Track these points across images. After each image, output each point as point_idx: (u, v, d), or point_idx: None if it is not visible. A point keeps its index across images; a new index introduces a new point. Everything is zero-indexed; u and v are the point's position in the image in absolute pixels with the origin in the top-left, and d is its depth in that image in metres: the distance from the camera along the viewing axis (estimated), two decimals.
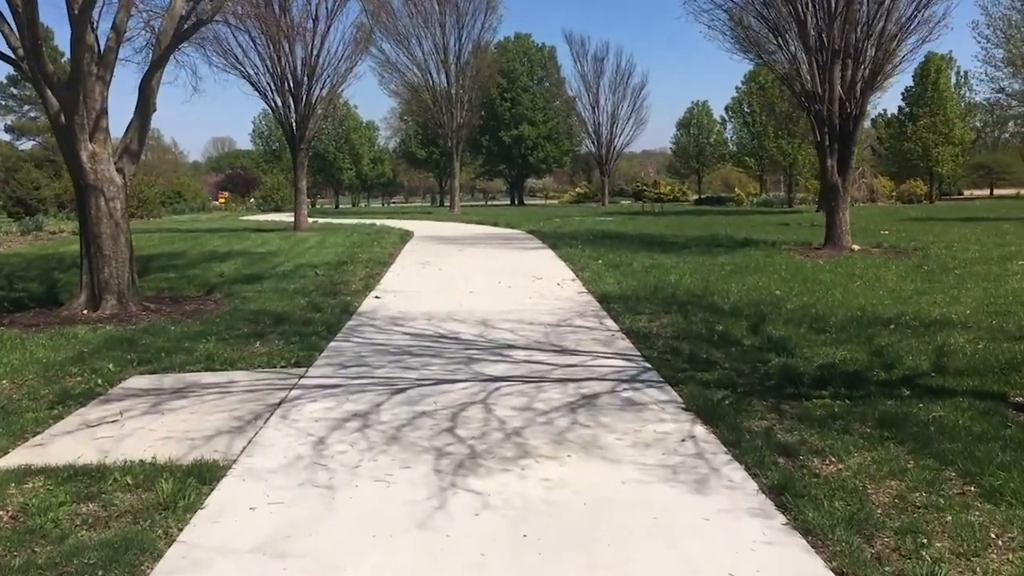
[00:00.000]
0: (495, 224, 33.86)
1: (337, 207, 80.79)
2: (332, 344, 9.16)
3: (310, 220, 36.41)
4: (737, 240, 21.61)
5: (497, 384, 7.25)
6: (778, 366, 7.73)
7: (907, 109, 53.22)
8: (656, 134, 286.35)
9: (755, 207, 51.48)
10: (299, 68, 27.92)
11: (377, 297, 12.55)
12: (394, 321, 10.55)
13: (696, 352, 8.39)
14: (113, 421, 6.35)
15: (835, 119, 17.65)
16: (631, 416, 6.21)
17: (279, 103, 28.08)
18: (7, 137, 60.21)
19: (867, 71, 17.54)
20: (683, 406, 6.47)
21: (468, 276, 14.97)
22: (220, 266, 16.89)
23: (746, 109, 58.55)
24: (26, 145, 58.87)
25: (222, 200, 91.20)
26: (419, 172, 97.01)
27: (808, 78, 18.05)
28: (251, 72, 27.59)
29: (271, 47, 26.57)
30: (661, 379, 7.36)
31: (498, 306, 11.55)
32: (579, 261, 16.66)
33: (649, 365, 7.91)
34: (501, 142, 74.91)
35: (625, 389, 7.05)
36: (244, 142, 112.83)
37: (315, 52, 27.77)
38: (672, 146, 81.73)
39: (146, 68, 11.91)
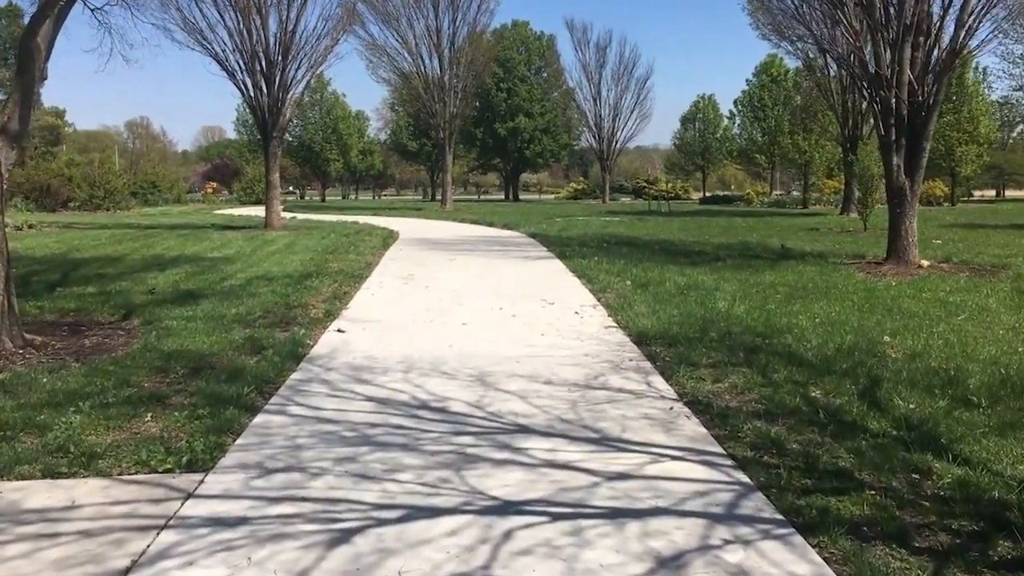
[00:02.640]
0: (491, 224, 30.77)
1: (323, 200, 77.54)
2: (259, 420, 6.16)
3: (287, 216, 33.43)
4: (774, 249, 18.61)
5: (507, 522, 4.33)
6: (954, 485, 4.78)
7: None
8: (654, 130, 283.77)
9: (767, 207, 48.46)
10: (272, 45, 24.77)
11: (340, 331, 9.50)
12: (356, 374, 7.53)
13: (809, 449, 5.42)
14: None
15: (903, 108, 14.64)
16: None
17: (249, 84, 24.92)
18: None
19: (944, 51, 14.52)
20: None
21: (461, 297, 11.94)
22: (157, 277, 13.81)
23: (757, 103, 55.55)
24: None
25: (210, 190, 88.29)
26: (410, 165, 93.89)
27: (872, 59, 15.02)
28: (219, 50, 24.47)
29: (239, 20, 23.44)
30: (780, 515, 4.41)
31: (501, 349, 8.54)
32: (597, 277, 13.63)
33: (748, 479, 4.93)
34: (496, 134, 71.84)
35: (728, 543, 4.09)
36: (233, 131, 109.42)
37: (290, 28, 24.61)
38: (676, 142, 78.47)
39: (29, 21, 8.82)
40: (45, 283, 13.07)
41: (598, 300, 11.61)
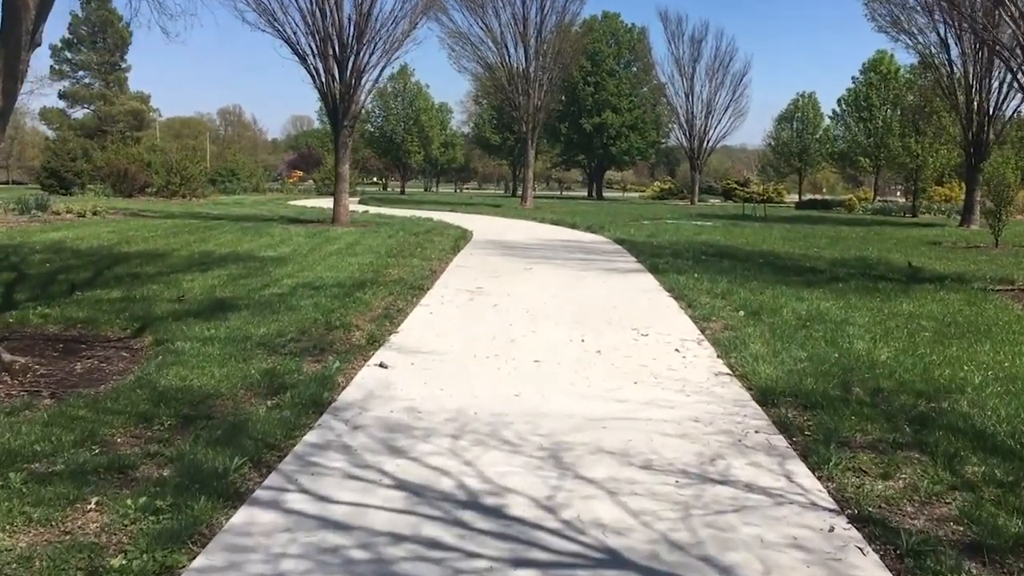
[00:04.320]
0: (573, 226, 28.68)
1: (403, 192, 76.47)
2: (239, 519, 4.36)
3: (359, 209, 32.02)
4: (899, 268, 16.14)
5: None
6: None
7: None
8: (741, 130, 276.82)
9: (871, 215, 45.14)
10: (346, 27, 23.19)
11: (383, 365, 7.64)
12: (390, 438, 5.66)
13: None
14: None
15: None
16: None
17: (321, 69, 23.38)
18: (61, 104, 57.25)
19: None
20: None
21: (535, 322, 9.97)
22: (194, 281, 12.22)
23: (863, 102, 52.04)
24: (79, 113, 55.80)
25: (295, 178, 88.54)
26: (493, 159, 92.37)
27: None
28: (290, 33, 22.99)
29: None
30: None
31: (583, 404, 6.56)
32: (698, 300, 11.51)
33: None
34: (581, 130, 69.63)
35: None
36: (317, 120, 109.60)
37: (366, 9, 22.95)
38: (771, 141, 74.76)
39: None
40: (70, 283, 11.61)
41: (702, 332, 9.51)
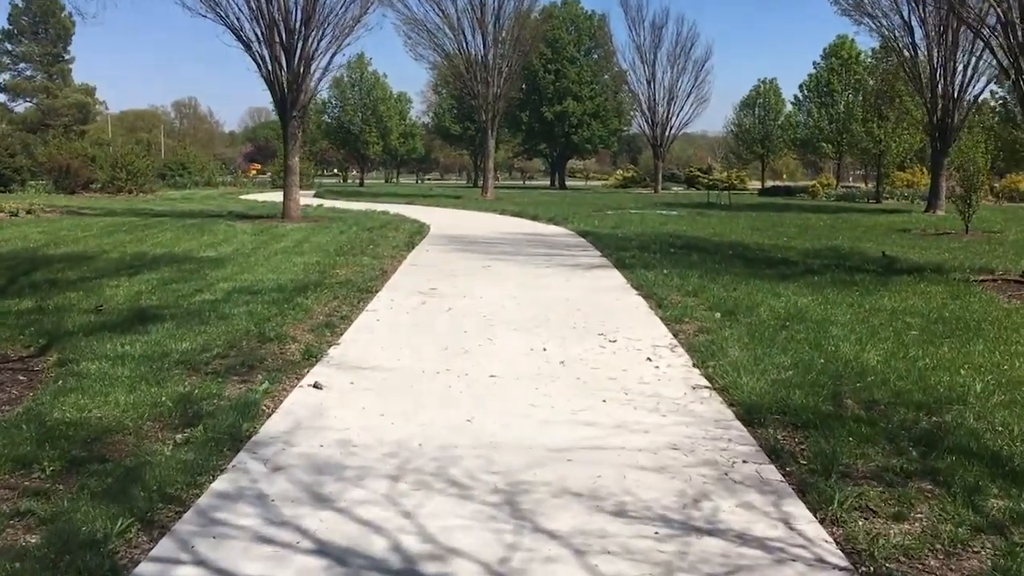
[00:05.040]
0: (535, 218, 27.76)
1: (361, 184, 75.00)
2: None
3: (315, 203, 30.92)
4: (874, 259, 15.47)
5: None
6: None
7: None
8: (701, 117, 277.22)
9: (835, 202, 44.75)
10: (293, 12, 22.05)
11: (317, 386, 6.71)
12: (315, 484, 4.77)
13: None
14: None
15: None
16: None
17: (267, 57, 22.21)
18: (2, 98, 55.10)
19: None
20: None
21: (493, 328, 9.08)
22: (120, 286, 11.18)
23: (824, 88, 51.64)
24: (21, 107, 53.73)
25: (252, 171, 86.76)
26: (454, 149, 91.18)
27: (1012, 28, 11.81)
28: (233, 19, 21.80)
29: None
30: None
31: (544, 430, 5.70)
32: (668, 298, 10.70)
33: None
34: (543, 118, 68.70)
35: None
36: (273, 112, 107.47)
37: None
38: (732, 128, 74.29)
39: None
40: None
41: (675, 336, 8.68)
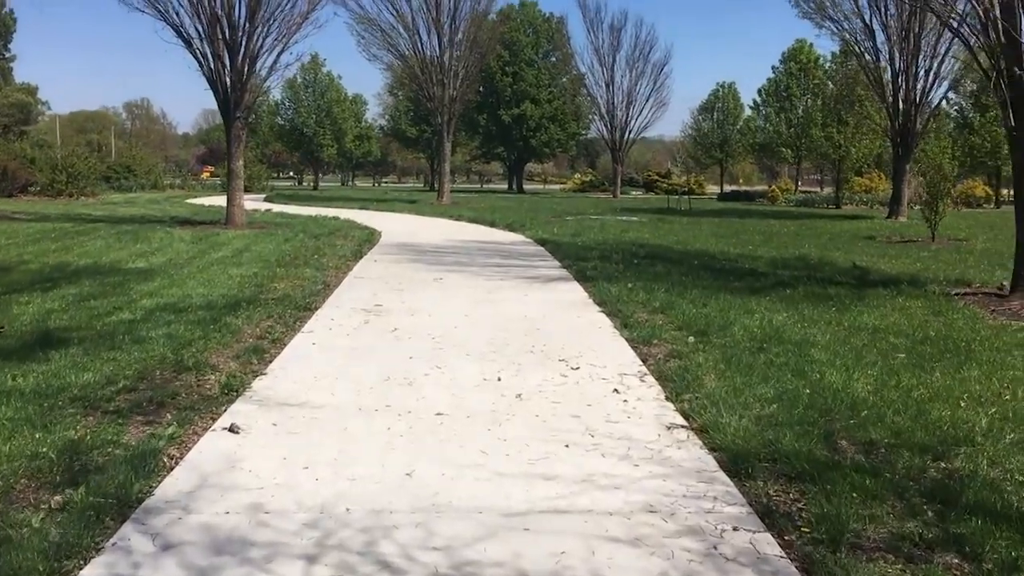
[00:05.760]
0: (492, 224, 26.83)
1: (315, 188, 73.53)
2: None
3: (264, 207, 29.75)
4: (844, 269, 14.82)
5: None
6: None
7: (974, 99, 45.92)
8: (662, 121, 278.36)
9: (795, 207, 44.43)
10: (237, 7, 20.91)
11: (233, 430, 5.75)
12: (211, 568, 3.83)
13: None
14: None
15: None
16: None
17: (209, 55, 21.04)
18: None
19: None
20: None
21: (441, 354, 8.15)
22: (32, 302, 10.09)
23: (783, 92, 51.45)
24: None
25: (206, 174, 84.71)
26: (410, 152, 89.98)
27: (996, 23, 11.17)
28: (173, 14, 20.61)
29: None
30: None
31: (494, 489, 4.81)
32: (634, 316, 9.86)
33: None
34: (500, 121, 67.89)
35: None
36: None
37: None
38: (691, 132, 73.94)
39: None
40: None
41: (644, 362, 7.84)
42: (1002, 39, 10.93)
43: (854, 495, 4.65)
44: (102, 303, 10.13)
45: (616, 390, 6.86)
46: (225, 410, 6.19)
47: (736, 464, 5.17)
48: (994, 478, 4.97)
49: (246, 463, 5.14)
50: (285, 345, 8.31)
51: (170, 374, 7.05)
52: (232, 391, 6.62)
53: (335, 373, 7.28)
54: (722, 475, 5.05)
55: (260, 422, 5.91)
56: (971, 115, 46.05)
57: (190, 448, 5.41)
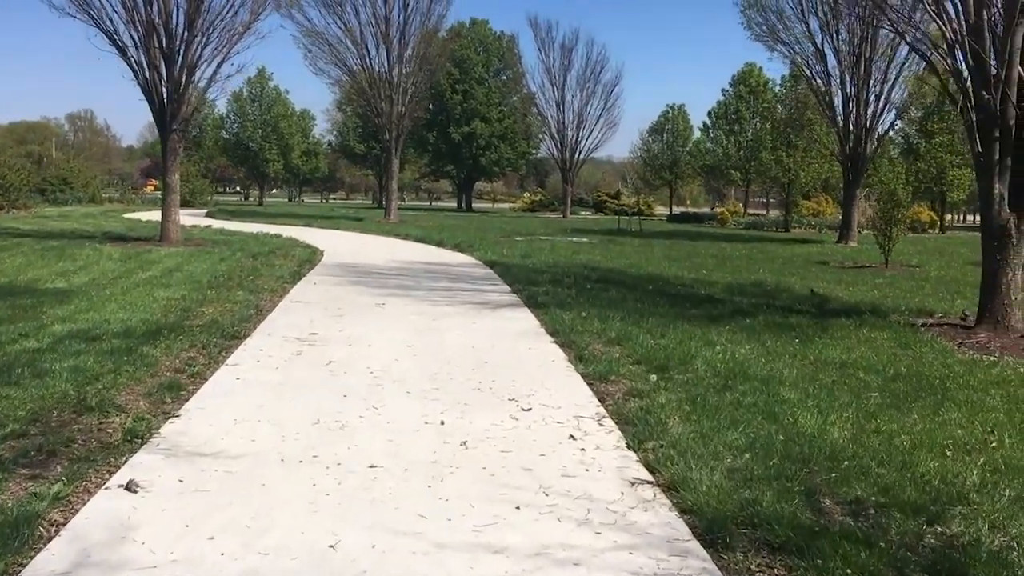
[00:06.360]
0: (439, 243, 26.12)
1: (260, 204, 72.00)
2: None
3: (204, 223, 28.67)
4: (804, 297, 14.39)
5: None
6: None
7: (919, 125, 46.49)
8: (611, 141, 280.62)
9: (744, 229, 44.45)
10: (176, 16, 19.97)
11: (131, 488, 4.92)
12: None
13: None
14: None
15: (1010, 117, 10.56)
16: None
17: (144, 64, 20.04)
18: None
19: None
20: None
21: (379, 390, 7.41)
22: None
23: (733, 115, 51.63)
24: None
25: (150, 188, 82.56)
26: (358, 168, 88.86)
27: (962, 50, 10.86)
28: (107, 21, 19.58)
29: None
30: None
31: (431, 567, 4.09)
32: (589, 348, 9.22)
33: None
34: (450, 139, 67.26)
35: None
36: None
37: None
38: (641, 153, 73.98)
39: None
40: None
41: (602, 402, 7.19)
42: (971, 62, 10.61)
43: (848, 571, 4.05)
44: (6, 329, 9.19)
45: (572, 436, 6.19)
46: (126, 461, 5.39)
47: (712, 531, 4.53)
48: (999, 547, 4.42)
49: (140, 532, 4.35)
50: (206, 380, 7.50)
51: (69, 415, 6.21)
52: (137, 438, 5.81)
53: (258, 415, 6.49)
54: (697, 546, 4.40)
55: (164, 477, 5.12)
56: (916, 141, 46.71)
57: (77, 511, 4.61)
